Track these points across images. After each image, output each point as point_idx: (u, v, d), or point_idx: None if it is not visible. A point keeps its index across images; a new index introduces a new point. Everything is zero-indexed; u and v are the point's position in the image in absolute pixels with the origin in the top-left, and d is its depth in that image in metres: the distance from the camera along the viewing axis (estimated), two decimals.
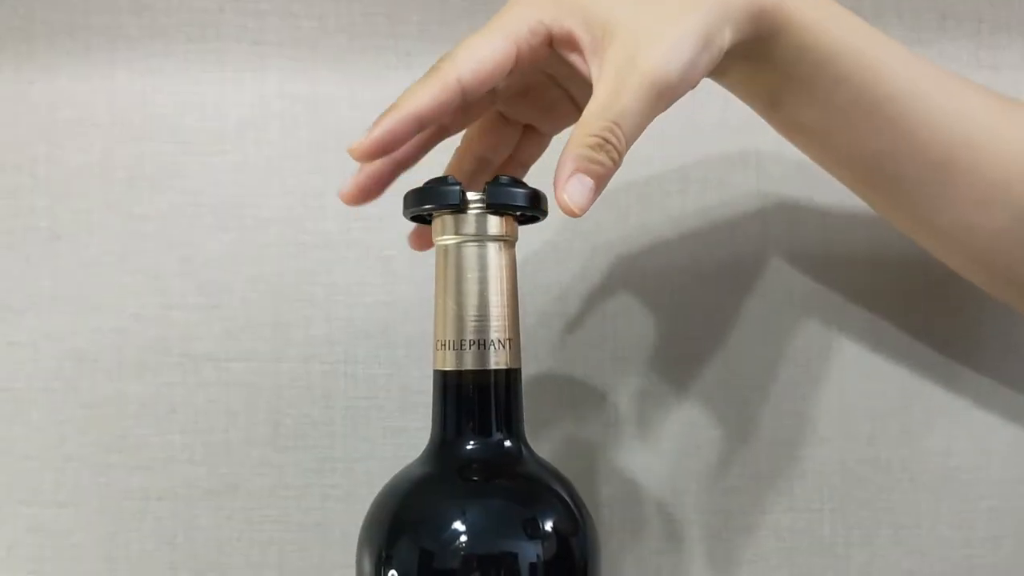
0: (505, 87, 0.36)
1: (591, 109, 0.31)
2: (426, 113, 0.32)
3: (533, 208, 0.33)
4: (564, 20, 0.32)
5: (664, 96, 0.31)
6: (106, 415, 0.47)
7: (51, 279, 0.47)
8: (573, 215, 0.30)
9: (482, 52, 0.32)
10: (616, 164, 0.31)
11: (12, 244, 0.47)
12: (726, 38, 0.32)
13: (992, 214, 0.36)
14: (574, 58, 0.33)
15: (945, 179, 0.36)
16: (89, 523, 0.47)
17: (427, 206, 0.33)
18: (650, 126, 0.49)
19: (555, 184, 0.30)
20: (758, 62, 0.34)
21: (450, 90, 0.32)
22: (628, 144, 0.31)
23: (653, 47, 0.31)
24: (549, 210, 0.34)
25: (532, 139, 0.39)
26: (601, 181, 0.31)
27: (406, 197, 0.34)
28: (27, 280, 0.47)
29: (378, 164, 0.34)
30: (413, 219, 0.35)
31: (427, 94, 0.32)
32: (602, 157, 0.31)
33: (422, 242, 0.37)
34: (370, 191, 0.35)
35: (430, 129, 0.34)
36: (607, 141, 0.31)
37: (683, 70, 0.31)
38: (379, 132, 0.32)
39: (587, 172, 0.31)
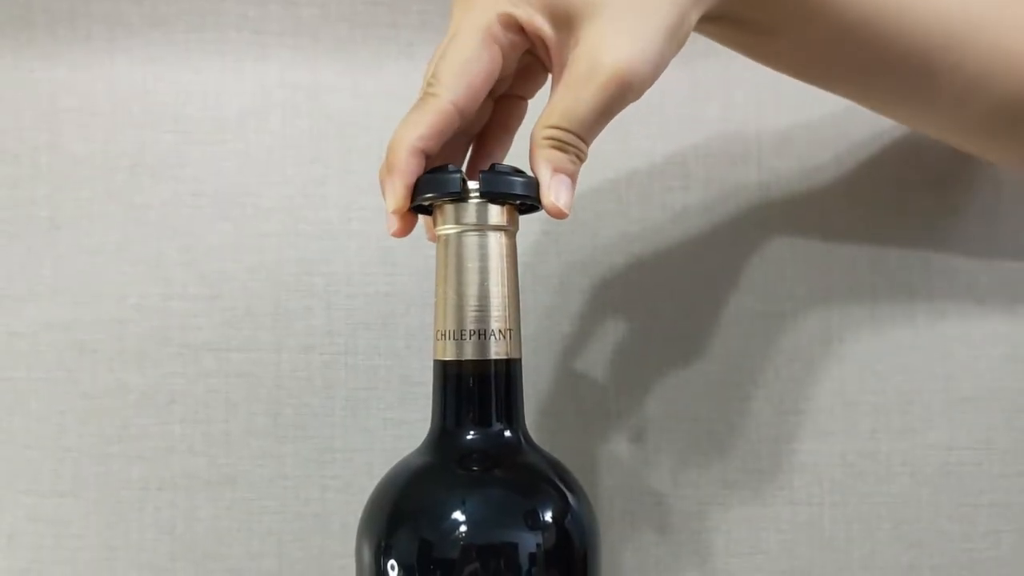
0: None
1: (553, 111, 0.31)
2: (430, 146, 0.33)
3: (529, 195, 0.33)
4: (532, 15, 0.32)
5: (628, 98, 0.31)
6: (106, 405, 0.47)
7: (51, 269, 0.47)
8: (563, 217, 0.32)
9: (471, 69, 0.32)
10: (582, 162, 0.32)
11: (13, 233, 0.47)
12: (692, 20, 0.32)
13: (974, 106, 0.37)
14: (540, 52, 0.33)
15: (926, 82, 0.37)
16: (89, 513, 0.47)
17: (427, 195, 0.33)
18: (652, 121, 0.49)
19: (540, 189, 0.31)
20: (726, 22, 0.34)
21: (448, 116, 0.32)
22: (590, 142, 0.32)
23: (619, 51, 0.30)
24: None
25: (511, 104, 0.38)
26: (575, 176, 0.32)
27: (418, 184, 0.33)
28: (27, 270, 0.47)
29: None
30: (415, 209, 0.35)
31: (424, 127, 0.32)
32: (571, 158, 0.32)
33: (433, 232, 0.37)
34: (411, 219, 0.35)
35: None
36: (569, 144, 0.31)
37: (649, 70, 0.31)
38: (400, 184, 0.32)
39: (565, 172, 0.32)
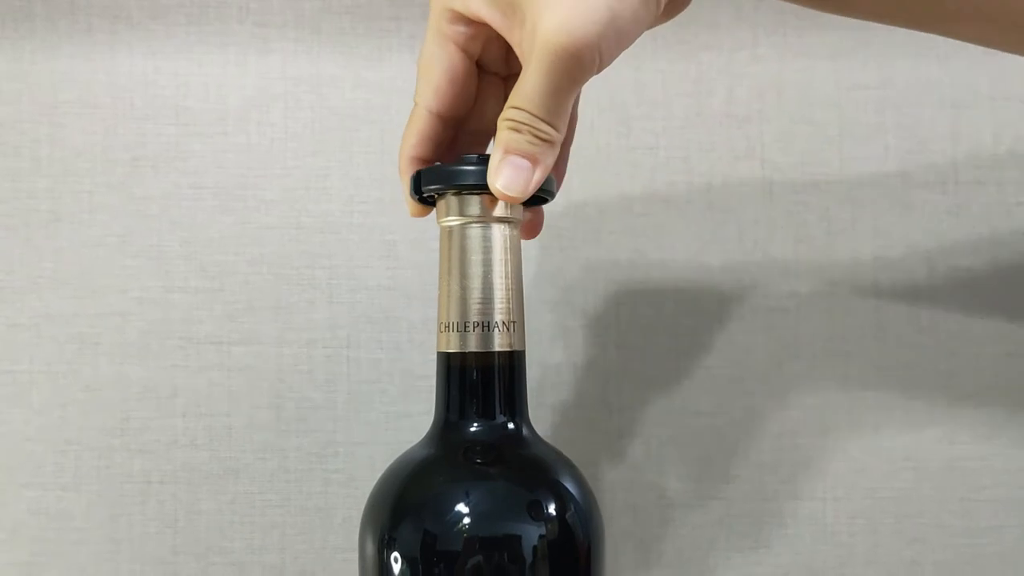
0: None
1: (512, 93, 0.30)
2: (421, 153, 0.34)
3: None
4: (469, 4, 0.31)
5: (581, 67, 0.29)
6: (108, 398, 0.47)
7: (52, 261, 0.47)
8: (513, 200, 0.30)
9: (433, 72, 0.33)
10: (547, 142, 0.30)
11: (13, 226, 0.47)
12: None
13: None
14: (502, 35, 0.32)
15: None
16: (91, 506, 0.46)
17: (411, 194, 0.33)
18: (655, 116, 0.49)
19: (488, 173, 0.30)
20: None
21: (428, 123, 0.33)
22: (552, 120, 0.30)
23: (557, 17, 0.28)
24: (555, 192, 0.34)
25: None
26: (539, 159, 0.30)
27: (412, 179, 0.33)
28: (28, 262, 0.47)
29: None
30: (420, 201, 0.35)
31: (412, 136, 0.34)
32: (527, 138, 0.30)
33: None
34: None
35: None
36: (524, 123, 0.30)
37: (597, 32, 0.28)
38: (407, 186, 0.34)
39: (520, 153, 0.30)
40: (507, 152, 0.30)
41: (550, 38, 0.28)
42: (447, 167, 0.32)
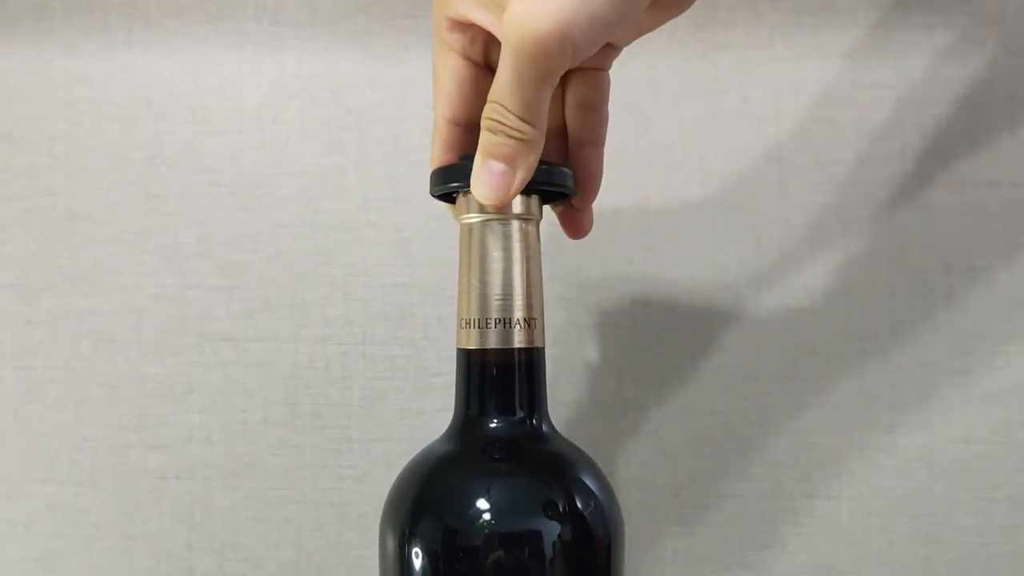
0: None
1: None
2: (449, 161, 0.34)
3: (548, 184, 0.32)
4: (463, 10, 0.31)
5: (546, 51, 0.27)
6: (124, 395, 0.47)
7: (69, 258, 0.47)
8: (496, 208, 0.31)
9: (442, 83, 0.33)
10: (523, 141, 0.29)
11: (30, 223, 0.47)
12: None
13: None
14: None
15: None
16: (106, 502, 0.47)
17: (452, 184, 0.33)
18: (670, 115, 0.49)
19: (471, 179, 0.30)
20: None
21: (448, 132, 0.33)
22: (526, 115, 0.29)
23: (523, 6, 0.27)
24: (571, 186, 0.34)
25: (585, 78, 0.36)
26: (515, 160, 0.29)
27: (430, 176, 0.34)
28: (45, 259, 0.47)
29: None
30: (439, 198, 0.35)
31: (438, 146, 0.35)
32: (499, 139, 0.29)
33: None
34: None
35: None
36: (500, 121, 0.29)
37: (560, 17, 0.27)
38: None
39: (495, 156, 0.30)
40: (486, 157, 0.30)
41: (516, 28, 0.27)
42: (451, 166, 0.33)
